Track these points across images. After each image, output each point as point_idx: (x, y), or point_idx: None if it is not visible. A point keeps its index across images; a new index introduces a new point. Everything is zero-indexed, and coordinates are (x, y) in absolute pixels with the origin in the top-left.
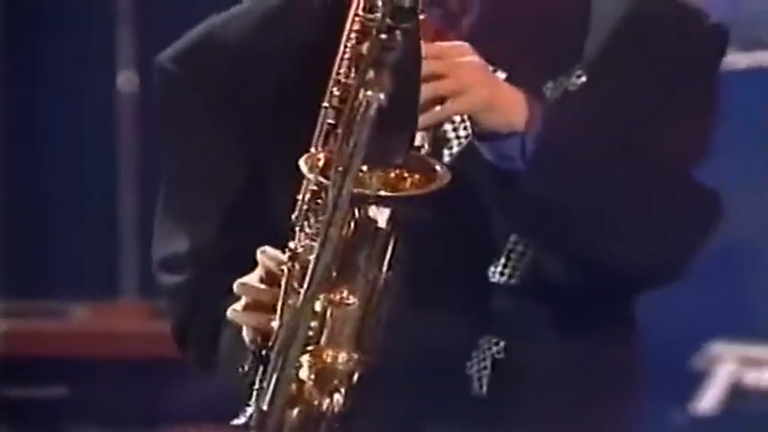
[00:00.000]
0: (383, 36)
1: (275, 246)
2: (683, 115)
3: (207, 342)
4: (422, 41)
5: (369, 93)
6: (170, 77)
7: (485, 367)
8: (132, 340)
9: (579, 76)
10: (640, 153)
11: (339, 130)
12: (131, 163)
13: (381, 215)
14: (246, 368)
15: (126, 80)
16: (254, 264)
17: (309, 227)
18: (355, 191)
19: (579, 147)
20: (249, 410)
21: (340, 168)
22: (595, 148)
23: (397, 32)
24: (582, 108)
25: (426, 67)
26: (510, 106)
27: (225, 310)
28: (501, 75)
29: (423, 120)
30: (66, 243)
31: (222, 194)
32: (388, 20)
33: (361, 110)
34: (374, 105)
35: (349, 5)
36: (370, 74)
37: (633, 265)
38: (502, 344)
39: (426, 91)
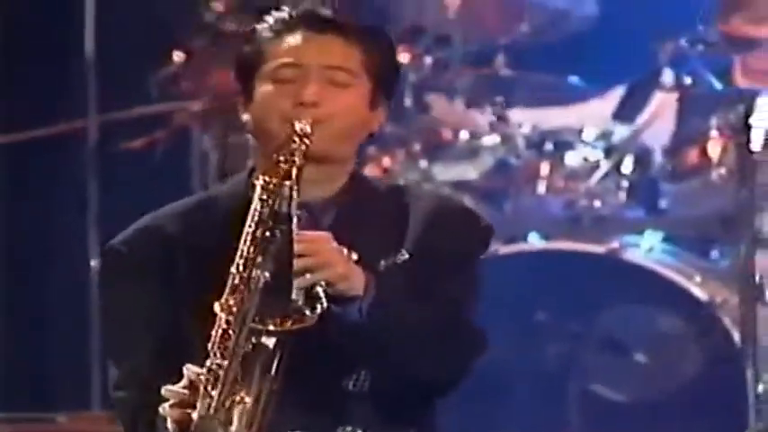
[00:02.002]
0: (267, 233)
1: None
2: (462, 283)
3: None
4: (294, 234)
5: (257, 271)
6: (118, 255)
7: None
8: None
9: (402, 255)
10: (435, 308)
11: (242, 290)
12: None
13: (270, 341)
14: None
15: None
16: (175, 379)
17: (221, 350)
18: (253, 326)
19: (396, 306)
20: None
21: (240, 315)
22: (407, 305)
23: (276, 231)
24: (401, 277)
25: (300, 248)
26: (354, 279)
27: (155, 415)
28: (354, 256)
29: (297, 283)
30: (50, 369)
31: (151, 331)
32: (270, 222)
33: (252, 282)
34: (261, 280)
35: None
36: (259, 258)
37: (429, 377)
38: (359, 430)
39: (299, 264)
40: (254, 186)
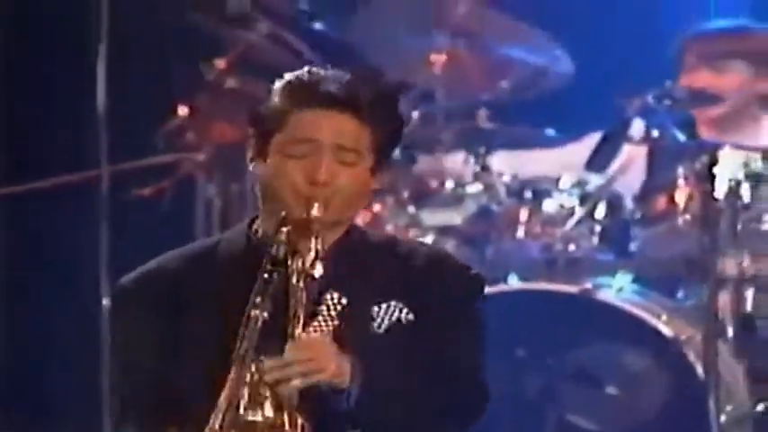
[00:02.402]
0: (266, 275)
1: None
2: (466, 338)
3: None
4: (298, 325)
5: (256, 311)
6: (127, 292)
7: None
8: None
9: (408, 314)
10: (436, 370)
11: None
12: None
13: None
14: None
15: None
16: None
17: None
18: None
19: (387, 383)
20: None
21: (239, 360)
22: (399, 380)
23: (274, 274)
24: (400, 344)
25: (301, 354)
26: (344, 374)
27: None
28: (344, 300)
29: (300, 383)
30: (61, 406)
31: (152, 366)
32: (268, 265)
33: (251, 322)
34: (260, 319)
35: (256, 258)
36: (258, 299)
37: None
38: None
39: (300, 368)
40: (256, 232)
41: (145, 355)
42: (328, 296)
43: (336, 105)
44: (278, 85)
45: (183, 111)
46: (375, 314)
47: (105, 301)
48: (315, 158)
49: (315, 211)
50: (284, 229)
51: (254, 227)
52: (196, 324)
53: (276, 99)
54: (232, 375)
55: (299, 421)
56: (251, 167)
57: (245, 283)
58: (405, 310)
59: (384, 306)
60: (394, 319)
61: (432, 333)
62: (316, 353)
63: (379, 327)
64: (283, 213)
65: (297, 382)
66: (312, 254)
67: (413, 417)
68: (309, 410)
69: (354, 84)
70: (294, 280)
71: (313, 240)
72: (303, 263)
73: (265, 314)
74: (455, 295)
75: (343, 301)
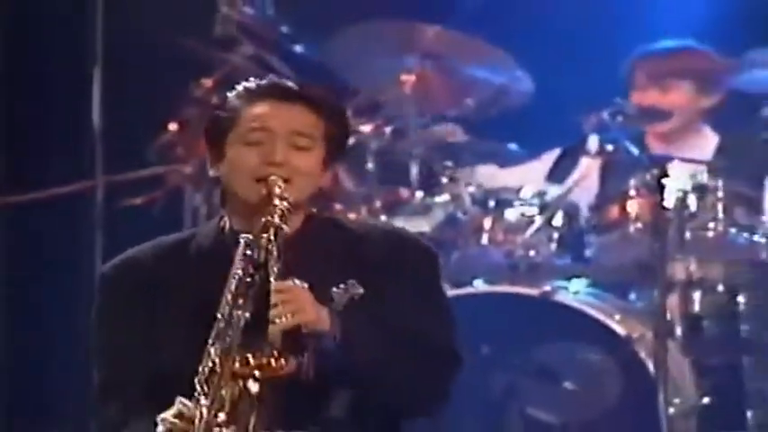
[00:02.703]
0: (248, 279)
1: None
2: (428, 309)
3: None
4: (273, 279)
5: (239, 311)
6: (108, 279)
7: None
8: None
9: (357, 289)
10: (403, 337)
11: (227, 332)
12: None
13: (255, 385)
14: None
15: None
16: (147, 394)
17: (208, 388)
18: (239, 370)
19: (362, 338)
20: None
21: (223, 355)
22: (372, 338)
23: (255, 276)
24: (364, 313)
25: (279, 297)
26: (323, 320)
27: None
28: (305, 285)
29: (277, 327)
30: (54, 396)
31: (129, 345)
32: (250, 268)
33: (234, 321)
34: (242, 319)
35: (224, 250)
36: (240, 301)
37: (402, 401)
38: None
39: (278, 311)
40: (223, 229)
41: (123, 338)
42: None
43: (289, 97)
44: (233, 91)
45: (173, 126)
46: (335, 295)
47: None
48: (270, 143)
49: (280, 191)
50: (265, 235)
51: (221, 223)
52: (170, 309)
53: (231, 100)
54: (218, 370)
55: (283, 362)
56: (211, 173)
57: (214, 271)
58: (359, 288)
59: (342, 286)
60: (349, 296)
61: (398, 303)
62: (296, 296)
63: (338, 306)
64: (264, 219)
65: (281, 322)
66: (279, 212)
67: (387, 375)
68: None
69: (305, 82)
70: (269, 235)
71: (277, 199)
72: (273, 217)
73: (247, 314)
74: (418, 265)
75: (305, 285)
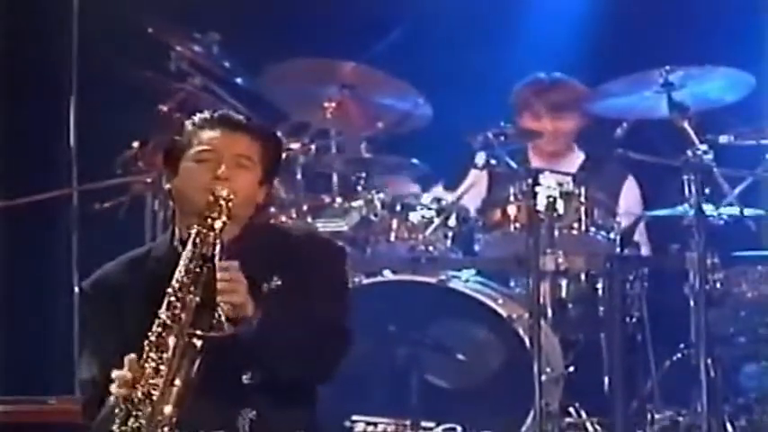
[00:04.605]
0: (198, 270)
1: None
2: (331, 291)
3: (97, 418)
4: (216, 264)
5: (190, 296)
6: (86, 293)
7: (246, 426)
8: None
9: (276, 281)
10: (310, 318)
11: (181, 315)
12: None
13: (198, 343)
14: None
15: None
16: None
17: (160, 346)
18: (188, 331)
19: (276, 321)
20: None
21: (180, 324)
22: (285, 320)
23: (204, 267)
24: (278, 299)
25: (224, 274)
26: (249, 304)
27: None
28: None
29: (220, 298)
30: (42, 362)
31: (106, 339)
32: (200, 261)
33: (188, 305)
34: (192, 304)
35: (176, 258)
36: (192, 287)
37: (306, 371)
38: (254, 412)
39: (222, 285)
40: (173, 239)
41: (100, 336)
42: None
43: (236, 127)
44: (189, 120)
45: (135, 144)
46: (265, 289)
47: (76, 290)
48: (216, 162)
49: (224, 193)
50: (212, 233)
51: (174, 233)
52: (135, 313)
53: (187, 126)
54: (172, 345)
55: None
56: (166, 187)
57: (167, 278)
58: (279, 281)
59: (269, 281)
60: (272, 286)
61: (307, 292)
62: (237, 277)
63: (265, 298)
64: (210, 222)
65: (219, 298)
66: (225, 210)
67: (294, 351)
68: (224, 345)
69: (249, 115)
70: (216, 231)
71: (222, 200)
72: (220, 215)
73: (197, 299)
74: (324, 262)
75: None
